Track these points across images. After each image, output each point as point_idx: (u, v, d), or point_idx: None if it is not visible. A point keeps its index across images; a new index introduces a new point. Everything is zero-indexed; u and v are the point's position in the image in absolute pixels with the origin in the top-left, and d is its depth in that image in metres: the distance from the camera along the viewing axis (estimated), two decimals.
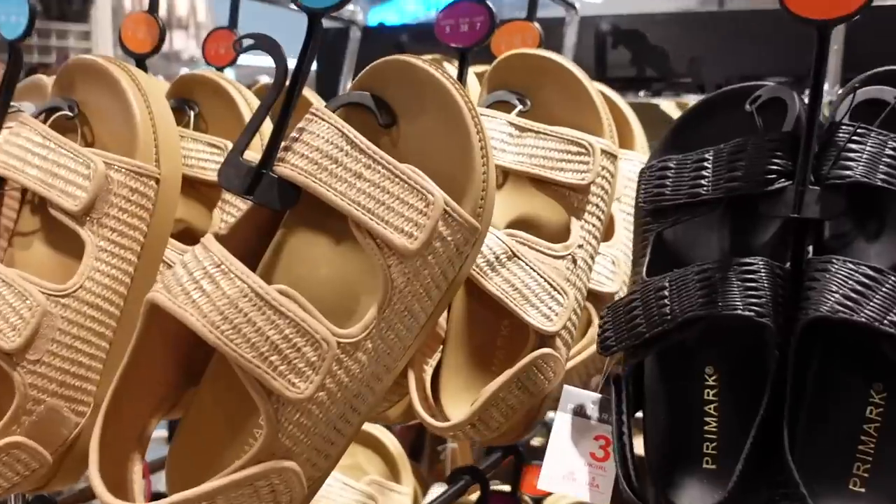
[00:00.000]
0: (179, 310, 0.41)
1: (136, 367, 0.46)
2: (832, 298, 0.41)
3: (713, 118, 0.52)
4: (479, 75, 0.68)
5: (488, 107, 0.60)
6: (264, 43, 0.47)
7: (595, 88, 0.60)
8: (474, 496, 0.83)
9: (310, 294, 0.45)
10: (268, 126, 0.51)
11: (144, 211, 0.53)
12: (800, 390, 0.43)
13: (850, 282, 0.41)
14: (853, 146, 0.45)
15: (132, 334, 0.53)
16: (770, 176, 0.46)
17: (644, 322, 0.46)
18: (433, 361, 0.58)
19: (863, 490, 0.44)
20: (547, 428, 0.96)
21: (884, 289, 0.41)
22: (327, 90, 0.77)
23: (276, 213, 0.49)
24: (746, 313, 0.42)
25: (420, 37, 0.97)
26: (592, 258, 0.58)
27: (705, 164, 0.49)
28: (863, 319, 0.40)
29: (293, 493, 0.43)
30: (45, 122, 0.55)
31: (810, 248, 0.46)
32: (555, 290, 0.54)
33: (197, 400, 0.49)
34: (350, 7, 0.96)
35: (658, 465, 0.48)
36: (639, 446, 0.49)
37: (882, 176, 0.44)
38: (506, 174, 0.60)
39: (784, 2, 0.45)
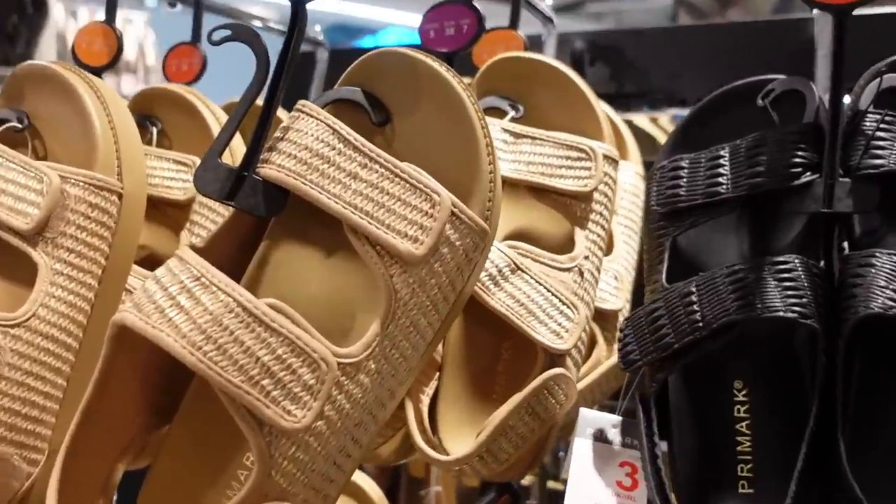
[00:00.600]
0: (154, 330, 0.36)
1: (100, 402, 0.40)
2: (883, 294, 0.38)
3: (723, 115, 0.49)
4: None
5: None
6: (242, 33, 0.43)
7: (591, 92, 0.56)
8: None
9: (301, 311, 0.40)
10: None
11: (105, 229, 0.47)
12: (847, 399, 0.39)
13: None
14: (882, 134, 0.42)
15: (93, 369, 0.47)
16: (795, 170, 0.43)
17: (672, 331, 0.42)
18: (430, 390, 0.53)
19: None
20: (539, 464, 0.90)
21: None
22: None
23: (259, 222, 0.44)
24: (790, 315, 0.39)
25: None
26: (598, 271, 0.54)
27: (721, 160, 0.46)
28: None
29: None
30: None
31: (845, 246, 0.43)
32: (564, 304, 0.50)
33: (170, 440, 0.43)
34: (316, 27, 0.92)
35: (689, 492, 0.44)
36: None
37: None
38: (502, 184, 0.56)
39: None
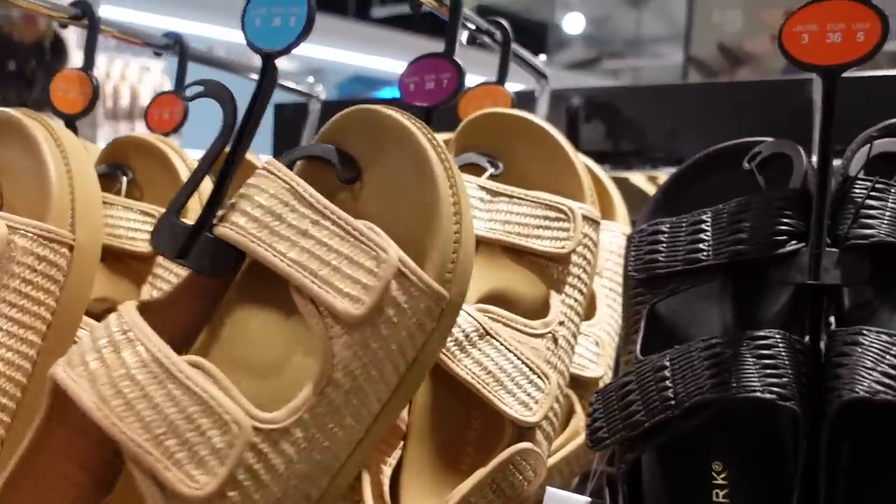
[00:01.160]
0: (72, 384, 0.34)
1: (32, 464, 0.37)
2: (869, 377, 0.34)
3: (707, 178, 0.47)
4: (446, 143, 0.63)
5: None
6: (211, 88, 0.41)
7: (573, 150, 0.54)
8: None
9: (249, 374, 0.38)
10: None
11: (52, 283, 0.45)
12: (832, 486, 0.36)
13: (889, 356, 0.35)
14: (872, 202, 0.40)
15: (29, 429, 0.45)
16: (780, 237, 0.40)
17: (643, 408, 0.39)
18: (392, 460, 0.49)
19: None
20: None
21: None
22: None
23: (221, 283, 0.42)
24: (767, 396, 0.35)
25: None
26: (575, 337, 0.51)
27: (703, 226, 0.44)
28: None
29: None
30: None
31: (831, 320, 0.40)
32: (534, 373, 0.47)
33: None
34: (310, 79, 0.92)
35: None
36: None
37: None
38: (476, 243, 0.54)
39: (788, 48, 0.40)
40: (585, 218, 0.51)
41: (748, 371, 0.36)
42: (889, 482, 0.38)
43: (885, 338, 0.36)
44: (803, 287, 0.41)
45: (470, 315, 0.48)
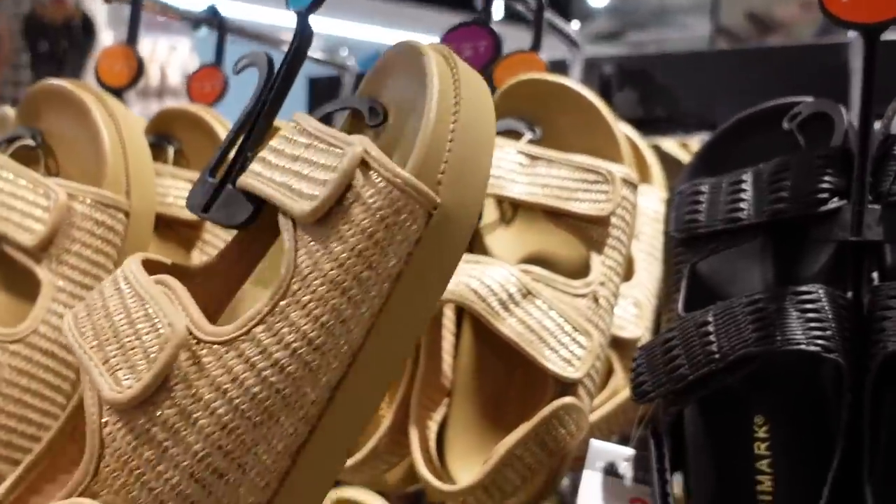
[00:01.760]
0: (65, 325, 0.33)
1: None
2: None
3: (747, 138, 0.47)
4: None
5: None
6: (259, 59, 0.41)
7: (611, 114, 0.55)
8: None
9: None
10: None
11: (111, 247, 0.46)
12: (875, 441, 0.37)
13: None
14: None
15: None
16: (822, 195, 0.41)
17: (686, 362, 0.40)
18: (438, 416, 0.51)
19: None
20: (558, 494, 0.88)
21: None
22: None
23: (261, 247, 0.42)
24: (812, 348, 0.36)
25: None
26: (615, 297, 0.52)
27: (743, 185, 0.44)
28: None
29: None
30: (5, 152, 0.49)
31: (874, 276, 0.40)
32: (576, 331, 0.48)
33: None
34: (343, 52, 0.92)
35: None
36: None
37: None
38: (516, 208, 0.55)
39: (827, 6, 0.40)
40: (624, 180, 0.52)
41: (792, 324, 0.37)
42: None
43: None
44: (845, 245, 0.41)
45: (513, 275, 0.49)
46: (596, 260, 0.51)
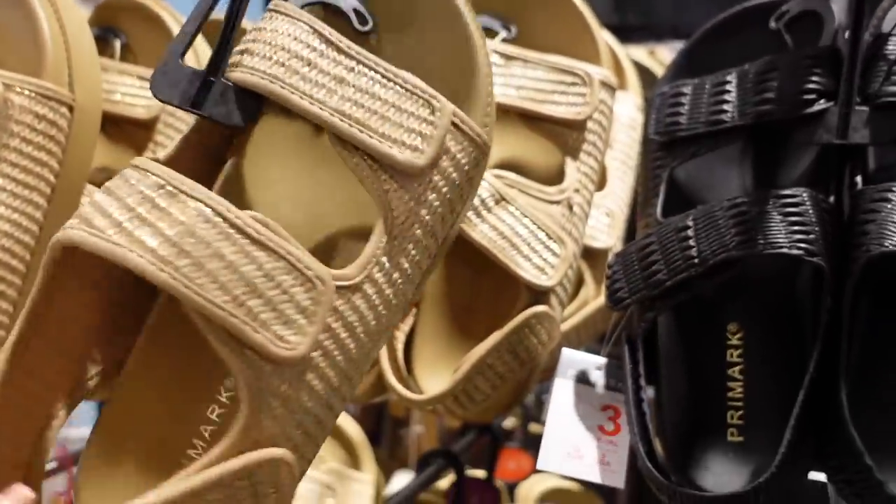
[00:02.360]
0: (112, 246, 0.30)
1: (34, 334, 0.34)
2: None
3: (732, 38, 0.45)
4: None
5: None
6: None
7: (590, 13, 0.52)
8: (445, 482, 0.76)
9: (295, 236, 0.35)
10: None
11: (54, 143, 0.43)
12: (852, 345, 0.37)
13: None
14: None
15: None
16: (808, 97, 0.39)
17: (664, 268, 0.39)
18: (406, 326, 0.50)
19: None
20: (523, 407, 0.89)
21: None
22: None
23: (224, 136, 0.39)
24: (794, 251, 0.35)
25: None
26: (589, 205, 0.50)
27: (727, 87, 0.42)
28: None
29: (281, 495, 0.32)
30: None
31: (857, 180, 0.39)
32: (550, 238, 0.47)
33: (127, 376, 0.38)
34: None
35: (675, 439, 0.41)
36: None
37: None
38: None
39: None
40: (602, 83, 0.50)
41: (775, 228, 0.36)
42: None
43: None
44: (828, 149, 0.40)
45: (486, 181, 0.47)
46: (571, 166, 0.49)
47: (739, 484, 0.38)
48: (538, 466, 0.40)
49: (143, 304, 0.38)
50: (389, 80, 0.35)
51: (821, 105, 0.39)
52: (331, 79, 0.35)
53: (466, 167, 0.36)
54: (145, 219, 0.31)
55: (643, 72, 0.74)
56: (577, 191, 0.49)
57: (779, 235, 0.36)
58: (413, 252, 0.35)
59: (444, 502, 0.77)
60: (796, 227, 0.36)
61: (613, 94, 0.51)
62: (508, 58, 0.51)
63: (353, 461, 0.81)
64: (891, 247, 0.34)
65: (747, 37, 0.44)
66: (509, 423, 0.86)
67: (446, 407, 0.46)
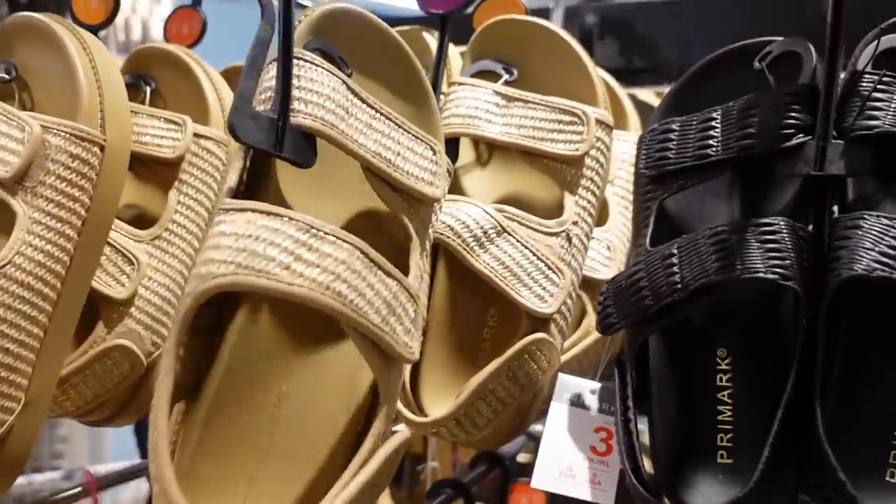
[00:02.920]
0: (288, 286, 0.35)
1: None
2: (868, 256, 0.36)
3: (718, 78, 0.48)
4: (461, 54, 0.64)
5: (472, 76, 0.55)
6: None
7: (588, 56, 0.55)
8: None
9: None
10: None
11: (86, 181, 0.47)
12: (828, 365, 0.38)
13: (887, 238, 0.36)
14: (879, 95, 0.41)
15: (70, 319, 0.47)
16: (787, 131, 0.42)
17: (650, 294, 0.41)
18: None
19: None
20: (535, 442, 0.89)
21: None
22: None
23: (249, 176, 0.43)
24: (770, 276, 0.37)
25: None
26: (588, 237, 0.52)
27: (713, 122, 0.45)
28: None
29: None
30: None
31: (834, 210, 0.41)
32: (549, 268, 0.49)
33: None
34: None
35: (666, 460, 0.43)
36: (644, 440, 0.43)
37: None
38: (492, 148, 0.55)
39: None
40: (598, 122, 0.53)
41: (753, 254, 0.38)
42: (882, 371, 0.40)
43: (885, 221, 0.37)
44: (809, 181, 0.42)
45: (488, 213, 0.49)
46: (569, 200, 0.52)
47: None
48: (532, 485, 0.42)
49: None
50: (400, 126, 0.41)
51: (799, 139, 0.41)
52: (364, 125, 0.40)
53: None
54: (306, 260, 0.36)
55: (651, 112, 0.77)
56: (575, 223, 0.51)
57: (756, 261, 0.38)
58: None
59: None
60: (773, 254, 0.38)
61: (610, 131, 0.54)
62: (510, 98, 0.54)
63: None
64: (860, 270, 0.36)
65: (733, 76, 0.47)
66: (523, 458, 0.87)
67: (449, 431, 0.48)
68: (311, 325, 0.42)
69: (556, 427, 0.43)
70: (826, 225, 0.41)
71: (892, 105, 0.40)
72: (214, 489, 0.39)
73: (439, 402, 0.51)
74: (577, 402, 0.44)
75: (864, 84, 0.41)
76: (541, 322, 0.49)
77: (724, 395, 0.43)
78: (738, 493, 0.38)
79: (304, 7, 0.45)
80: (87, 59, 0.49)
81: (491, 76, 0.55)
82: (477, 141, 0.56)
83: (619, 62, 0.85)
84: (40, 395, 0.47)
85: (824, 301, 0.37)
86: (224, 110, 0.61)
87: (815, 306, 0.38)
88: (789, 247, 0.38)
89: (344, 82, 0.40)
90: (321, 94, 0.40)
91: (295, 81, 0.40)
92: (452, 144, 0.52)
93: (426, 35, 0.60)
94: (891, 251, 0.36)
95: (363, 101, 0.41)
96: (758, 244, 0.38)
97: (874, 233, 0.37)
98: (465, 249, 0.48)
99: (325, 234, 0.37)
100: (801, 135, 0.41)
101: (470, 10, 0.62)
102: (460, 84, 0.54)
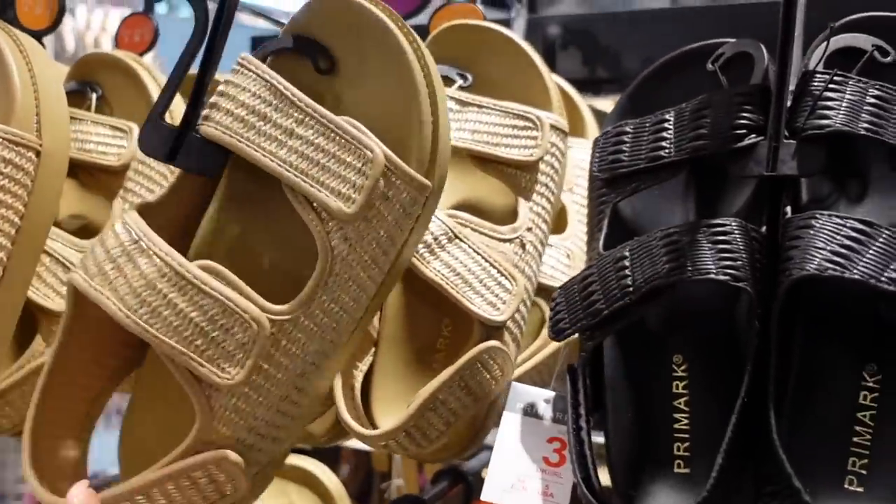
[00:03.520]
0: (96, 293, 0.37)
1: (68, 352, 0.41)
2: (819, 255, 0.35)
3: (672, 80, 0.47)
4: None
5: None
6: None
7: (542, 61, 0.54)
8: None
9: (250, 271, 0.40)
10: None
11: (20, 187, 0.45)
12: (783, 370, 0.37)
13: (839, 237, 0.36)
14: (830, 94, 0.40)
15: (4, 333, 0.45)
16: (739, 131, 0.41)
17: (602, 297, 0.39)
18: (364, 366, 0.50)
19: (861, 489, 0.37)
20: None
21: (878, 243, 0.35)
22: None
23: (209, 182, 0.43)
24: (721, 277, 0.36)
25: None
26: (543, 244, 0.51)
27: (666, 124, 0.44)
28: (857, 276, 0.34)
29: (236, 484, 0.39)
30: None
31: (787, 210, 0.40)
32: (501, 275, 0.48)
33: (141, 379, 0.44)
34: (286, 9, 0.90)
35: (622, 469, 0.41)
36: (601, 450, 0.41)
37: (865, 125, 0.39)
38: None
39: None
40: (553, 127, 0.52)
41: (704, 255, 0.37)
42: (837, 376, 0.39)
43: (836, 220, 0.36)
44: (763, 181, 0.41)
45: (439, 219, 0.48)
46: (524, 206, 0.51)
47: None
48: (482, 497, 0.40)
49: None
50: (332, 131, 0.39)
51: (752, 139, 0.41)
52: (282, 132, 0.39)
53: (401, 207, 0.40)
54: (122, 270, 0.38)
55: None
56: (529, 229, 0.50)
57: (707, 262, 0.37)
58: (353, 284, 0.40)
59: None
60: (724, 255, 0.37)
61: (565, 137, 0.53)
62: (464, 104, 0.53)
63: None
64: (811, 269, 0.35)
65: (686, 79, 0.46)
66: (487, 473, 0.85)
67: (399, 444, 0.46)
68: None
69: (507, 437, 0.42)
70: (780, 226, 0.40)
71: (844, 104, 0.40)
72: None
73: (391, 415, 0.49)
74: (529, 411, 0.43)
75: (816, 83, 0.41)
76: (493, 330, 0.47)
77: (680, 403, 0.42)
78: (694, 502, 0.36)
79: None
80: (24, 63, 0.47)
81: (445, 81, 0.54)
82: None
83: (582, 73, 0.85)
84: None
85: (776, 301, 0.36)
86: (174, 119, 0.60)
87: (767, 308, 0.37)
88: (741, 248, 0.37)
89: (272, 86, 0.39)
90: (237, 100, 0.40)
91: (221, 89, 0.40)
92: None
93: None
94: (843, 250, 0.35)
95: (293, 104, 0.39)
96: (709, 245, 0.37)
97: (826, 232, 0.36)
98: (415, 257, 0.47)
99: (147, 247, 0.38)
100: (753, 135, 0.41)
101: (426, 16, 0.61)
102: None
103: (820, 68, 0.41)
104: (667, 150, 0.43)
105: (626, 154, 0.45)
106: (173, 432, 0.40)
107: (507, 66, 0.54)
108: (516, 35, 0.55)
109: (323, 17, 0.41)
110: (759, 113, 0.41)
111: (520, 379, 0.53)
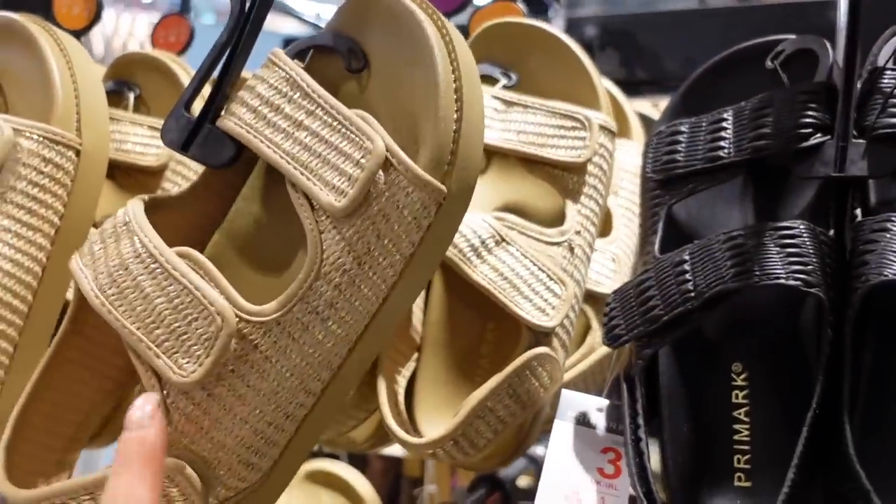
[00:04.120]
0: (79, 272, 0.35)
1: (55, 374, 0.39)
2: None
3: (729, 78, 0.45)
4: None
5: None
6: None
7: (589, 60, 0.53)
8: None
9: (256, 272, 0.38)
10: None
11: (60, 187, 0.44)
12: (856, 378, 0.35)
13: None
14: None
15: (42, 334, 0.45)
16: (805, 131, 0.39)
17: (661, 303, 0.38)
18: (407, 371, 0.49)
19: None
20: (536, 465, 0.86)
21: None
22: None
23: (237, 179, 0.41)
24: (791, 283, 0.35)
25: None
26: (591, 248, 0.50)
27: (724, 124, 0.42)
28: None
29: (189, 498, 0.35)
30: None
31: (857, 213, 0.38)
32: (551, 279, 0.46)
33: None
34: (317, 12, 0.90)
35: (679, 482, 0.40)
36: (654, 462, 0.40)
37: None
38: (490, 155, 0.53)
39: None
40: (602, 127, 0.50)
41: (772, 259, 0.36)
42: None
43: None
44: (828, 182, 0.40)
45: (486, 222, 0.47)
46: (571, 208, 0.49)
47: None
48: None
49: None
50: (338, 122, 0.36)
51: (817, 139, 0.39)
52: (291, 123, 0.37)
53: (407, 211, 0.35)
54: (106, 250, 0.36)
55: (647, 123, 0.74)
56: (578, 233, 0.49)
57: (776, 267, 0.35)
58: (346, 293, 0.36)
59: None
60: (794, 259, 0.35)
61: (613, 138, 0.51)
62: (509, 103, 0.51)
63: None
64: (890, 275, 0.33)
65: (743, 77, 0.45)
66: (523, 482, 0.83)
67: (447, 452, 0.45)
68: None
69: (559, 448, 0.40)
70: (847, 229, 0.38)
71: None
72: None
73: (435, 422, 0.48)
74: (582, 420, 0.41)
75: (886, 81, 0.39)
76: (542, 336, 0.46)
77: (740, 413, 0.40)
78: None
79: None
80: (65, 62, 0.47)
81: (489, 80, 0.53)
82: None
83: (620, 73, 0.83)
84: (9, 410, 0.44)
85: (851, 309, 0.34)
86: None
87: (839, 315, 0.35)
88: (811, 252, 0.36)
89: (290, 77, 0.37)
90: (255, 92, 0.38)
91: (249, 82, 0.39)
92: None
93: None
94: None
95: (306, 95, 0.36)
96: (777, 249, 0.36)
97: None
98: (461, 260, 0.45)
99: (132, 229, 0.36)
100: (819, 134, 0.39)
101: (466, 15, 0.60)
102: None
103: (890, 65, 0.40)
104: (726, 151, 0.41)
105: (682, 154, 0.43)
106: None
107: (553, 64, 0.53)
108: (561, 32, 0.54)
109: (359, 13, 0.39)
110: (825, 112, 0.39)
111: (564, 387, 0.52)
